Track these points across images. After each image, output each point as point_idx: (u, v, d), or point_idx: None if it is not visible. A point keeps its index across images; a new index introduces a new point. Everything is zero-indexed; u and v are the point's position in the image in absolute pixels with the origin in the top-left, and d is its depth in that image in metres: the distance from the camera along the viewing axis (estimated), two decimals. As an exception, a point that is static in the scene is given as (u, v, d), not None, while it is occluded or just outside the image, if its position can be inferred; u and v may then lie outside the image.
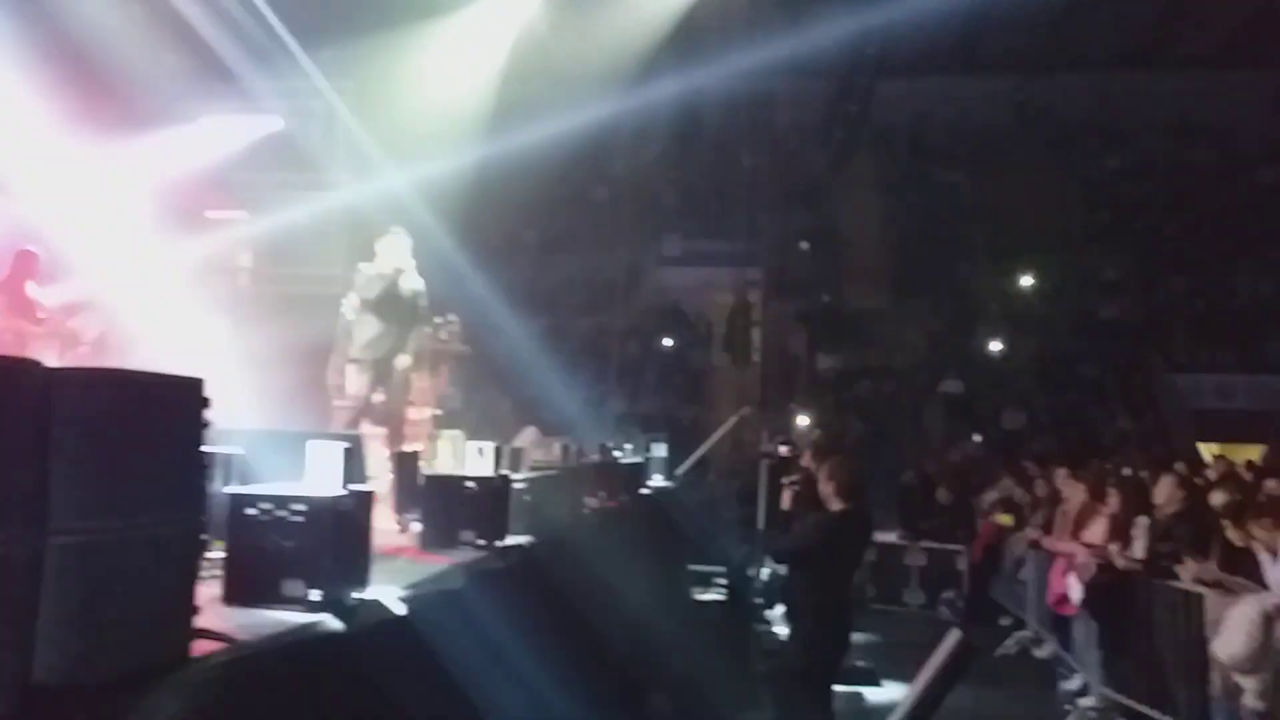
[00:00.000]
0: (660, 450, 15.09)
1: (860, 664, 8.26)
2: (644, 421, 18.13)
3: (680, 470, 13.02)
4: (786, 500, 5.76)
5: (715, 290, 21.11)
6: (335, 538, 2.57)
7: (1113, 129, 23.87)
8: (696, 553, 10.23)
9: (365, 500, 2.82)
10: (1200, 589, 5.87)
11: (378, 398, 6.62)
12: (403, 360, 6.68)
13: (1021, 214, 21.27)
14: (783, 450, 6.87)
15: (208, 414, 2.23)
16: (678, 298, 21.81)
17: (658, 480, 11.18)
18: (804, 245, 21.33)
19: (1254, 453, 12.57)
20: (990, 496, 11.32)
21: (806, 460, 5.98)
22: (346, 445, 2.71)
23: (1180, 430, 15.63)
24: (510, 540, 4.30)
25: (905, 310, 20.61)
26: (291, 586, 2.52)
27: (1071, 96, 24.12)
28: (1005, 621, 9.92)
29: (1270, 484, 6.73)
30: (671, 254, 22.44)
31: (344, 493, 2.64)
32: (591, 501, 6.45)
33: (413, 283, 6.73)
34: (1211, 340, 18.15)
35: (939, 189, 22.95)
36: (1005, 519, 10.14)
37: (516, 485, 4.42)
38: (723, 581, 8.82)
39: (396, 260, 6.66)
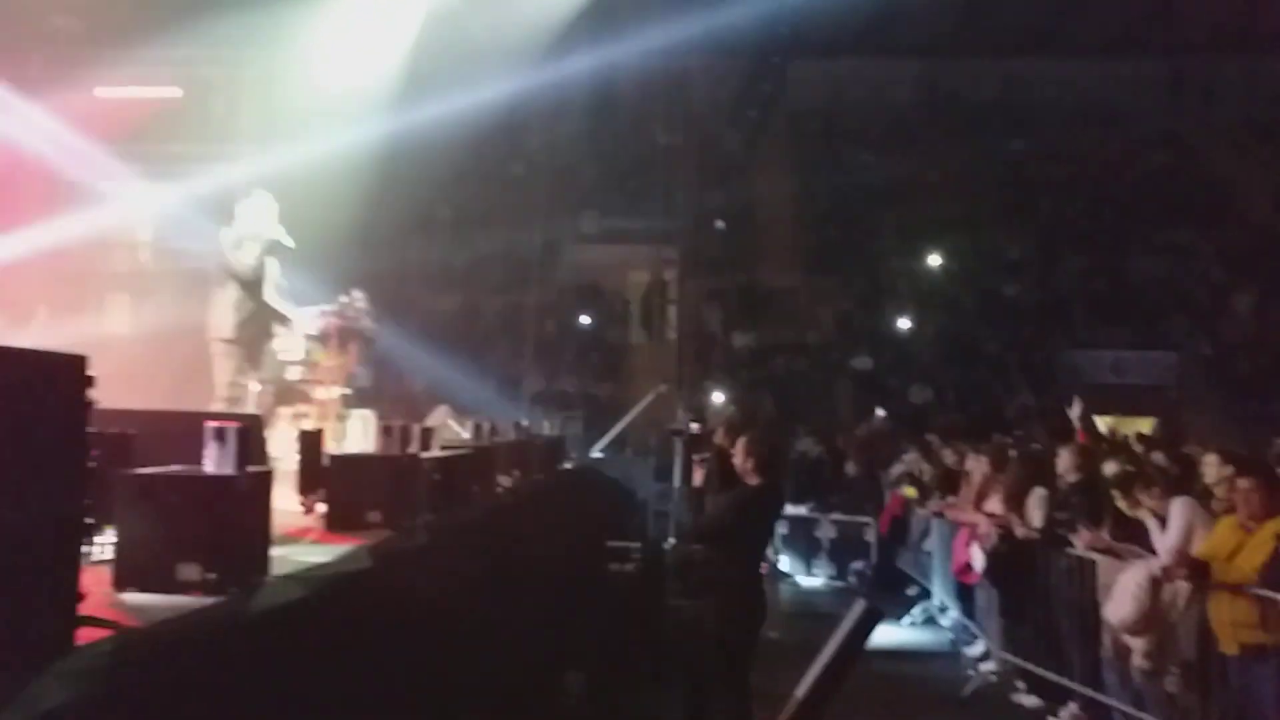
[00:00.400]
0: (577, 428, 15.11)
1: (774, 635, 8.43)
2: (561, 399, 18.11)
3: (598, 447, 13.05)
4: (698, 477, 5.79)
5: (632, 268, 21.16)
6: (231, 520, 2.50)
7: (1017, 113, 24.56)
8: (613, 528, 10.28)
9: (263, 481, 2.75)
10: (1093, 556, 6.12)
11: (250, 379, 6.47)
12: (276, 340, 6.53)
13: (930, 195, 21.80)
14: (694, 427, 6.93)
15: (91, 393, 2.13)
16: (595, 275, 21.77)
17: (575, 457, 11.21)
18: (719, 224, 21.49)
19: (1146, 425, 13.15)
20: (897, 470, 11.63)
21: (720, 437, 6.01)
22: (243, 426, 2.62)
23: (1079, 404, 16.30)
24: (419, 520, 4.24)
25: (817, 289, 20.98)
26: (186, 570, 2.44)
27: (978, 80, 24.75)
28: (912, 591, 10.22)
29: (1156, 455, 7.05)
30: (589, 231, 22.37)
31: (239, 474, 2.57)
32: (505, 480, 6.41)
33: (276, 249, 6.57)
34: (1108, 318, 18.92)
35: (851, 169, 23.34)
36: (911, 491, 10.42)
37: (426, 464, 4.36)
38: (638, 556, 8.87)
39: (259, 224, 6.49)
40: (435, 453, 4.82)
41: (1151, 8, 23.13)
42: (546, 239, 21.56)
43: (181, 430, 3.10)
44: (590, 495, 10.25)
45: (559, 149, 22.74)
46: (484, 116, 15.50)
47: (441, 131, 13.98)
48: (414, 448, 4.44)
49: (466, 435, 6.75)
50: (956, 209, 21.70)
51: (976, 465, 8.18)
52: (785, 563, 11.66)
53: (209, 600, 2.44)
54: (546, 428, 10.88)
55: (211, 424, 2.67)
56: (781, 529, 11.75)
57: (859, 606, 3.09)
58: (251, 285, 6.59)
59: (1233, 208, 21.65)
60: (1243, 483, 5.35)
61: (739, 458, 5.37)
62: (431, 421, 6.93)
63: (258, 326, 6.68)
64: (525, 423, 8.71)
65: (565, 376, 19.03)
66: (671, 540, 10.26)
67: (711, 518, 5.53)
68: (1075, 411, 7.58)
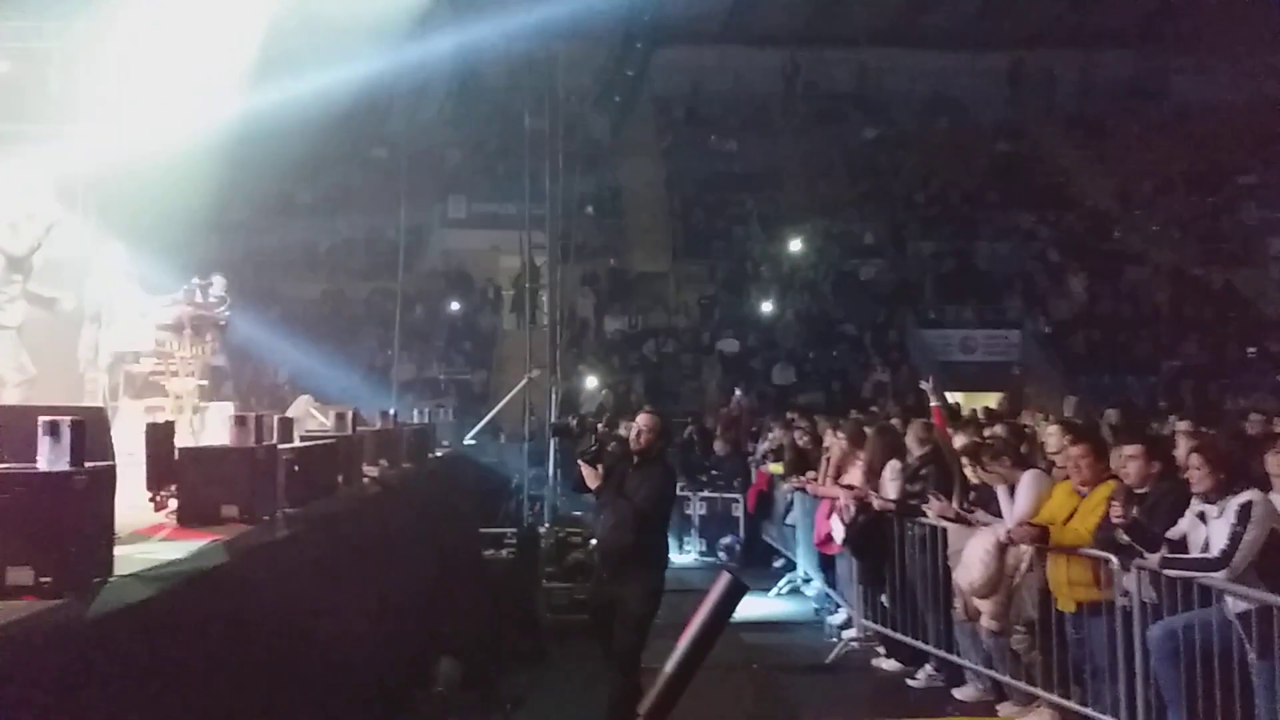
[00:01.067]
0: (448, 415, 14.87)
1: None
2: (432, 387, 17.82)
3: (470, 435, 12.91)
4: (590, 477, 5.62)
5: (503, 253, 20.93)
6: (66, 520, 2.37)
7: (870, 102, 25.45)
8: (487, 515, 10.22)
9: (103, 477, 2.61)
10: (944, 524, 6.46)
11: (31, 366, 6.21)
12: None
13: (790, 181, 22.40)
14: (572, 423, 6.90)
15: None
16: (465, 261, 21.47)
17: (446, 445, 11.05)
18: (589, 209, 21.50)
19: (992, 400, 13.91)
20: (763, 447, 11.97)
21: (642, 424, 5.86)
22: (78, 419, 2.49)
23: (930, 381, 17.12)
24: (279, 513, 4.12)
25: (685, 273, 21.31)
26: (17, 574, 2.31)
27: (835, 70, 25.51)
28: (778, 563, 10.55)
29: (997, 428, 7.49)
30: (457, 216, 22.03)
31: (75, 470, 2.44)
32: (371, 470, 6.29)
33: (54, 231, 6.33)
34: (956, 299, 19.91)
35: (715, 156, 23.74)
36: (776, 467, 10.73)
37: (284, 456, 4.23)
38: (512, 541, 8.85)
39: (36, 205, 6.25)
40: (295, 444, 4.68)
41: (995, 3, 24.33)
42: (413, 224, 21.11)
43: (15, 425, 2.91)
44: (462, 483, 10.16)
45: (423, 132, 22.27)
46: (344, 97, 15.03)
47: (299, 112, 13.47)
48: (272, 439, 4.30)
49: (329, 425, 6.58)
50: (815, 195, 22.39)
51: (835, 441, 8.49)
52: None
53: (44, 604, 2.31)
54: (416, 416, 10.69)
55: (45, 418, 2.52)
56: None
57: (725, 579, 3.16)
58: (22, 267, 6.34)
59: (1068, 194, 23.11)
60: (1075, 450, 5.73)
61: (647, 437, 5.49)
62: (293, 412, 6.72)
63: (27, 311, 6.42)
64: (393, 411, 8.54)
65: (435, 364, 18.74)
66: (546, 525, 10.31)
67: (655, 500, 5.50)
68: (928, 386, 7.95)
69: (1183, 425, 7.42)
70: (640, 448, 5.48)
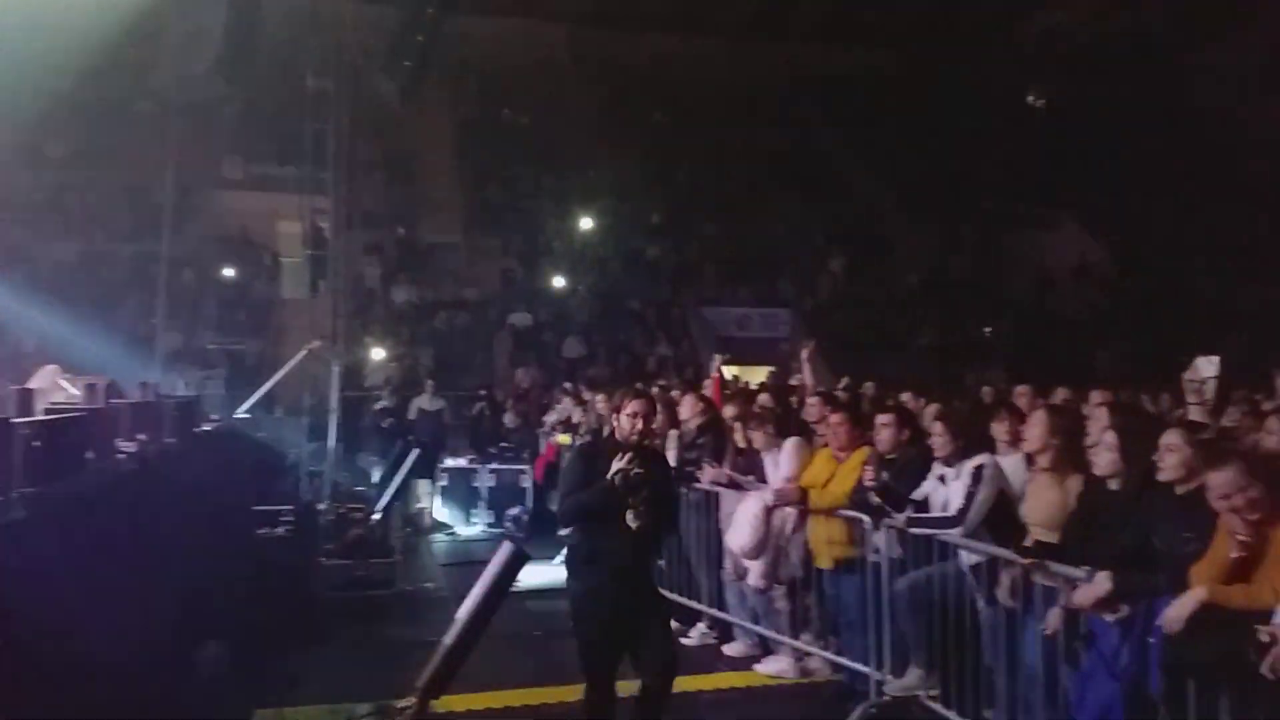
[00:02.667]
0: (219, 387, 14.02)
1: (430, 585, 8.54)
2: (202, 357, 16.72)
3: (244, 408, 12.25)
4: (633, 518, 4.55)
5: (282, 218, 19.86)
6: None
7: (661, 85, 25.95)
8: (261, 492, 9.75)
9: None
10: (717, 489, 6.79)
11: None
12: None
13: (584, 159, 22.55)
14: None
15: None
16: (240, 225, 20.21)
17: (217, 419, 10.45)
18: (377, 175, 20.79)
19: (764, 374, 14.64)
20: (551, 418, 12.10)
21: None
22: None
23: (708, 356, 17.81)
24: (15, 494, 3.77)
25: (478, 245, 21.05)
26: None
27: (625, 51, 25.83)
28: (564, 531, 10.70)
29: (763, 397, 7.97)
30: (232, 177, 20.68)
31: None
32: (128, 446, 5.86)
33: None
34: (734, 278, 20.82)
35: (509, 130, 23.53)
36: (564, 438, 10.89)
37: (21, 430, 3.87)
38: (289, 519, 8.52)
39: None
40: (36, 417, 4.29)
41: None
42: (183, 184, 19.65)
43: None
44: (233, 458, 9.63)
45: (194, 86, 20.69)
46: (99, 42, 13.75)
47: (47, 57, 12.23)
48: (7, 412, 3.93)
49: (79, 397, 6.05)
50: (607, 174, 22.68)
51: (619, 412, 8.69)
52: (444, 514, 11.73)
53: None
54: (182, 387, 10.02)
55: None
56: (442, 481, 11.82)
57: (505, 549, 3.21)
58: None
59: (832, 182, 24.57)
60: (834, 418, 6.19)
61: (642, 426, 4.67)
62: (35, 383, 6.12)
63: None
64: (154, 382, 7.97)
65: (206, 333, 17.60)
66: (325, 501, 9.98)
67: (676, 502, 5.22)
68: (716, 363, 8.34)
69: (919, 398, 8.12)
70: (636, 439, 4.63)
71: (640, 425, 4.64)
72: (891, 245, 22.82)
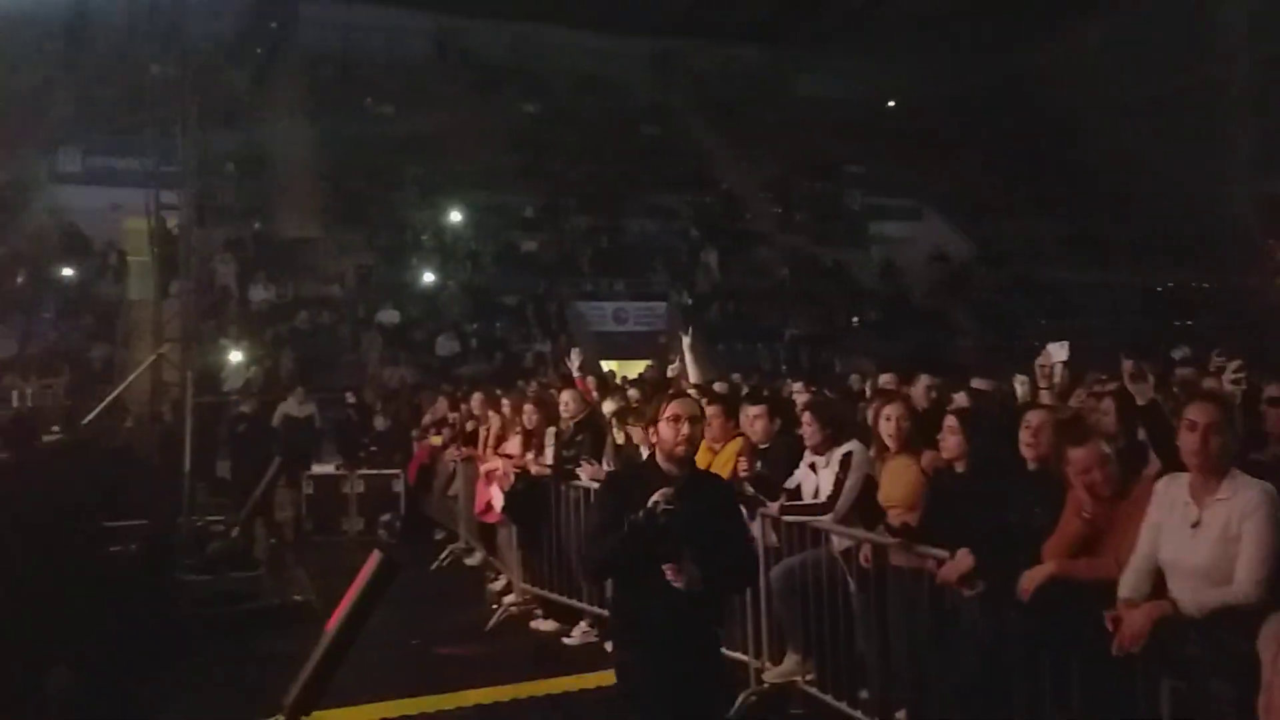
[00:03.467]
0: (59, 396, 13.11)
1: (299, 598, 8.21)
2: (40, 364, 15.61)
3: (89, 417, 11.50)
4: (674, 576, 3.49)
5: (127, 214, 18.76)
6: None
7: (529, 77, 25.77)
8: (112, 506, 9.17)
9: None
10: (596, 484, 6.76)
11: None
12: None
13: (450, 150, 22.16)
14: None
15: None
16: (80, 221, 18.98)
17: (57, 430, 9.77)
18: (230, 168, 19.88)
19: (642, 367, 14.73)
20: (424, 420, 11.83)
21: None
22: None
23: (585, 350, 17.80)
24: None
25: (340, 241, 20.40)
26: None
27: (491, 41, 25.53)
28: (439, 536, 10.51)
29: (632, 393, 8.02)
30: (70, 170, 19.41)
31: None
32: (-43, 463, 5.41)
33: None
34: (609, 272, 20.86)
35: (371, 120, 22.89)
36: (437, 439, 10.67)
37: None
38: (143, 534, 8.04)
39: None
40: None
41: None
42: (14, 177, 18.34)
43: None
44: (77, 472, 9.02)
45: (24, 73, 19.32)
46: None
47: None
48: None
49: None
50: (476, 165, 22.35)
51: (495, 410, 8.59)
52: (311, 523, 11.33)
53: None
54: (16, 399, 9.33)
55: None
56: (308, 489, 11.41)
57: (375, 559, 3.11)
58: None
59: (707, 177, 24.97)
60: (709, 410, 6.25)
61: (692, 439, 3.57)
62: None
63: None
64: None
65: (44, 337, 16.45)
66: (183, 515, 9.45)
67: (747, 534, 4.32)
68: (575, 362, 8.31)
69: (798, 386, 8.34)
70: (681, 457, 3.49)
71: (685, 437, 3.46)
72: (763, 238, 23.34)
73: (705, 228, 22.80)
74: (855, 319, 20.69)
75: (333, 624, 3.06)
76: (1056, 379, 5.52)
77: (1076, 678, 3.65)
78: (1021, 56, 30.36)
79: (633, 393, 8.07)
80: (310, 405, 12.84)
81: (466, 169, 22.11)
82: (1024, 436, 4.05)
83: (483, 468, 8.33)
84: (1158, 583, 3.36)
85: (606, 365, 16.33)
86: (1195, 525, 3.24)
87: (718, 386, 7.80)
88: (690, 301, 20.40)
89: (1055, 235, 24.19)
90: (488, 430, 8.72)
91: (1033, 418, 4.09)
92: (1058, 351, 5.17)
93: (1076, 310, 20.64)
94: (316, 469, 11.61)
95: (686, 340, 8.03)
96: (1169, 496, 3.36)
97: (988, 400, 5.80)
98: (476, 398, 9.67)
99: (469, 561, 9.54)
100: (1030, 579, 3.65)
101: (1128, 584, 3.39)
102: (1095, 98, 28.74)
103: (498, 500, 7.73)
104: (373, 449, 12.26)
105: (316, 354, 17.24)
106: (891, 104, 30.37)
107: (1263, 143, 24.49)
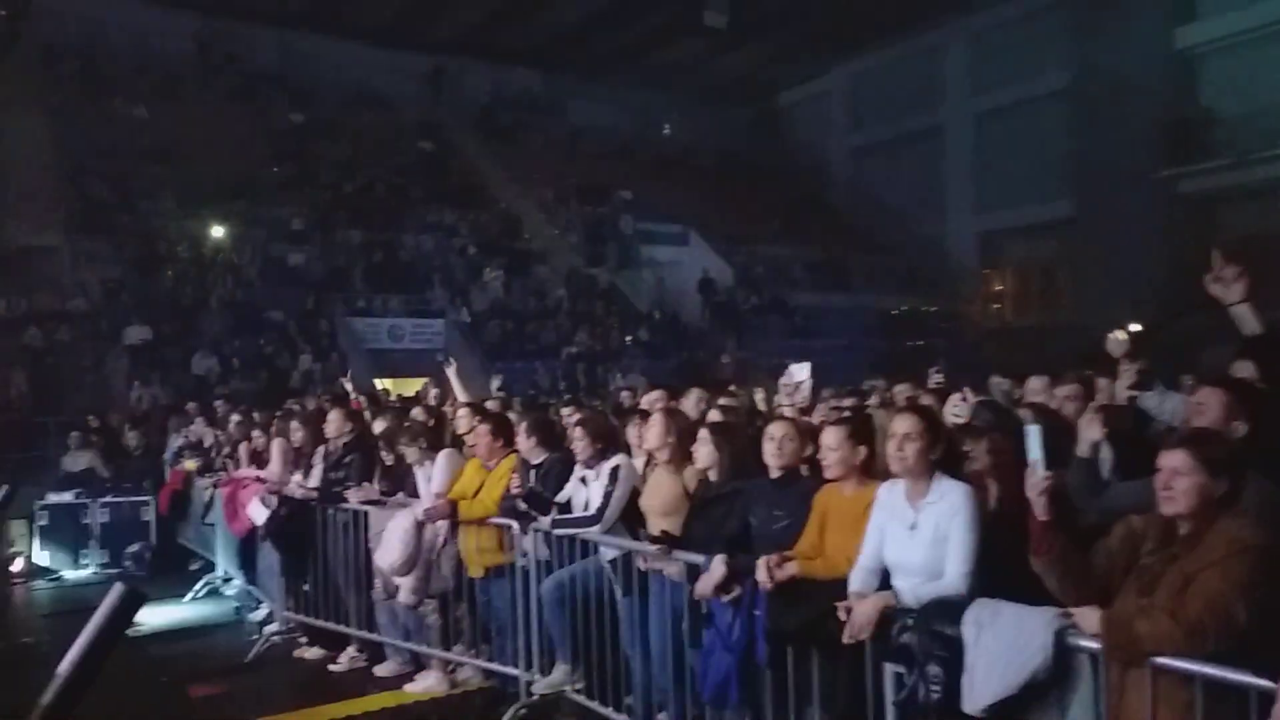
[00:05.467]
0: None
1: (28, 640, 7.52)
2: None
3: None
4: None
5: None
6: None
7: (297, 85, 24.81)
8: None
9: None
10: (365, 507, 6.65)
11: None
12: None
13: (210, 158, 20.93)
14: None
15: None
16: None
17: None
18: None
19: (418, 385, 14.51)
20: (177, 442, 11.10)
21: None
22: None
23: (359, 368, 17.27)
24: None
25: (82, 250, 18.72)
26: None
27: (256, 47, 24.41)
28: (195, 566, 9.90)
29: (416, 411, 7.95)
30: None
31: None
32: None
33: None
34: (384, 288, 20.35)
35: (119, 122, 21.23)
36: (191, 464, 10.05)
37: None
38: None
39: None
40: None
41: (415, 5, 25.26)
42: None
43: None
44: None
45: None
46: None
47: None
48: None
49: None
50: (239, 174, 21.22)
51: (260, 432, 8.24)
52: (46, 558, 10.34)
53: None
54: None
55: None
56: (42, 520, 10.41)
57: (116, 591, 2.95)
58: None
59: (484, 195, 24.95)
60: (481, 428, 6.31)
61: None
62: None
63: None
64: None
65: None
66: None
67: None
68: (349, 384, 8.14)
69: (567, 411, 8.53)
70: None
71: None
72: (541, 257, 23.55)
73: (484, 246, 22.73)
74: (629, 338, 21.29)
75: (64, 665, 2.89)
76: (800, 397, 5.99)
77: (817, 669, 4.01)
78: (776, 96, 32.56)
79: (417, 411, 7.97)
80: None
81: (228, 178, 20.93)
82: (768, 446, 4.39)
83: (235, 473, 7.98)
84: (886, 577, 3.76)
85: (381, 384, 15.97)
86: (912, 527, 3.65)
87: (490, 404, 7.84)
88: (469, 319, 20.25)
89: (804, 261, 26.03)
90: (251, 450, 8.34)
91: (775, 429, 4.45)
92: (799, 372, 5.61)
93: (823, 330, 22.30)
94: (52, 498, 10.62)
95: (451, 369, 8.06)
96: (889, 501, 3.77)
97: (738, 413, 6.19)
98: (235, 418, 9.21)
99: (227, 591, 9.06)
100: (770, 576, 3.96)
101: (856, 580, 3.75)
102: (839, 138, 31.27)
103: (259, 515, 7.40)
104: (118, 474, 11.33)
105: (55, 373, 15.71)
106: (666, 131, 31.63)
107: (980, 185, 27.51)
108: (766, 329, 22.14)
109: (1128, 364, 4.05)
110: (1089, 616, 2.93)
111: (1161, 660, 2.76)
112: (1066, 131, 24.14)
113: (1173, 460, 2.83)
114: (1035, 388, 5.18)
